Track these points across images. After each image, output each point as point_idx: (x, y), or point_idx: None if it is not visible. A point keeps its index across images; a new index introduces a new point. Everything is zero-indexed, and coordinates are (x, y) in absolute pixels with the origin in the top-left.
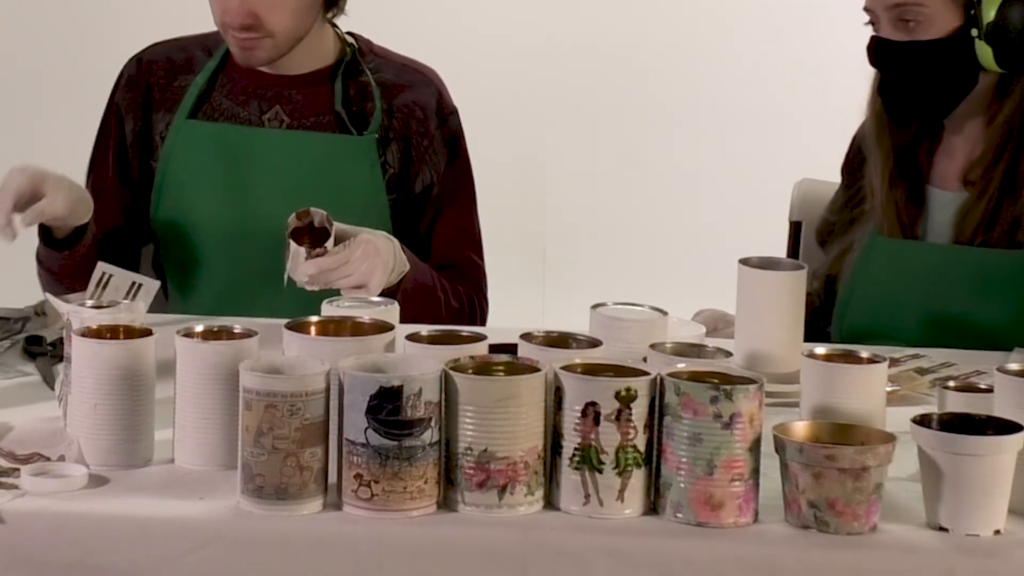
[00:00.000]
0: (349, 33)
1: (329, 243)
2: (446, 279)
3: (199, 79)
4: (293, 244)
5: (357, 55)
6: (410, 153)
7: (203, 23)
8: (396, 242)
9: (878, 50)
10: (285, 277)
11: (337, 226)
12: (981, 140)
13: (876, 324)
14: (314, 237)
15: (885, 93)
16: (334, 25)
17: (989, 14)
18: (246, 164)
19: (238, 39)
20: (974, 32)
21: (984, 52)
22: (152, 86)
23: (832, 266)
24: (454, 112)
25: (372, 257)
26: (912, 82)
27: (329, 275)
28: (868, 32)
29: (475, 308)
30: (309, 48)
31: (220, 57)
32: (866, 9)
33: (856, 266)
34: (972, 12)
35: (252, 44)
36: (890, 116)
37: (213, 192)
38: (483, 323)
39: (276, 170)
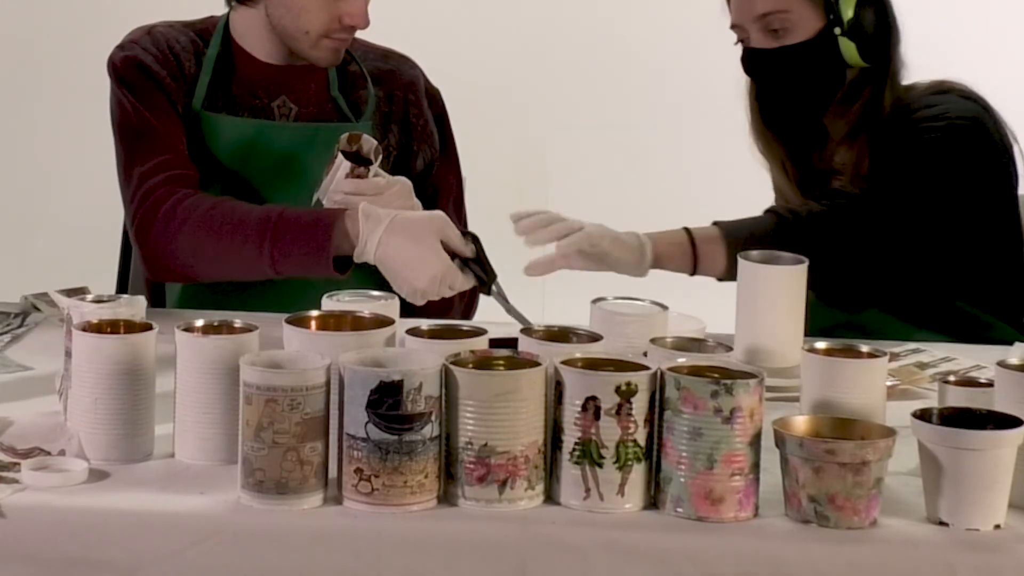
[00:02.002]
0: None
1: (372, 170)
2: None
3: (206, 66)
4: (341, 156)
5: None
6: (410, 133)
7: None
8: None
9: (751, 60)
10: (314, 197)
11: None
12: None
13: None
14: (360, 162)
15: (762, 100)
16: None
17: (848, 12)
18: (255, 155)
19: (344, 42)
20: (837, 31)
21: (848, 48)
22: (176, 65)
23: None
24: (437, 92)
25: (405, 199)
26: (786, 86)
27: (362, 199)
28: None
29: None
30: None
31: (218, 45)
32: (734, 26)
33: None
34: (832, 13)
35: (347, 44)
36: (767, 123)
37: (224, 183)
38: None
39: (283, 159)
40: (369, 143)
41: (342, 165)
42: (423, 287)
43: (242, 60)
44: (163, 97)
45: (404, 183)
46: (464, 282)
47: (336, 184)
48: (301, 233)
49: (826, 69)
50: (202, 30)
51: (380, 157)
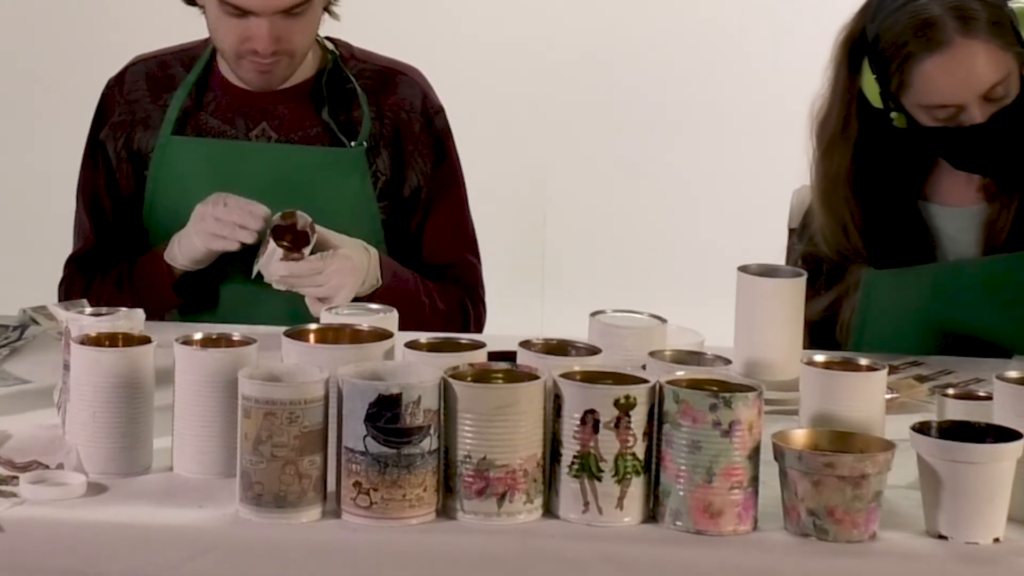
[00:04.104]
0: (328, 38)
1: (306, 250)
2: (438, 282)
3: (180, 93)
4: (272, 243)
5: (339, 62)
6: (401, 158)
7: (199, 25)
8: (374, 253)
9: (972, 137)
10: (255, 270)
11: (320, 232)
12: None
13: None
14: (295, 238)
15: (986, 167)
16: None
17: None
18: (236, 179)
19: (260, 64)
20: None
21: None
22: (135, 106)
23: (819, 311)
24: (440, 111)
25: (345, 274)
26: (1019, 139)
27: (299, 281)
28: None
29: (467, 311)
30: None
31: (200, 71)
32: (942, 106)
33: (858, 308)
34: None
35: (272, 67)
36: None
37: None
38: (479, 327)
39: (266, 184)
40: (303, 218)
41: (274, 252)
42: (199, 209)
43: (221, 87)
44: (100, 151)
45: (344, 258)
46: (237, 204)
47: (273, 268)
48: (143, 267)
49: None
50: (194, 57)
51: (315, 236)
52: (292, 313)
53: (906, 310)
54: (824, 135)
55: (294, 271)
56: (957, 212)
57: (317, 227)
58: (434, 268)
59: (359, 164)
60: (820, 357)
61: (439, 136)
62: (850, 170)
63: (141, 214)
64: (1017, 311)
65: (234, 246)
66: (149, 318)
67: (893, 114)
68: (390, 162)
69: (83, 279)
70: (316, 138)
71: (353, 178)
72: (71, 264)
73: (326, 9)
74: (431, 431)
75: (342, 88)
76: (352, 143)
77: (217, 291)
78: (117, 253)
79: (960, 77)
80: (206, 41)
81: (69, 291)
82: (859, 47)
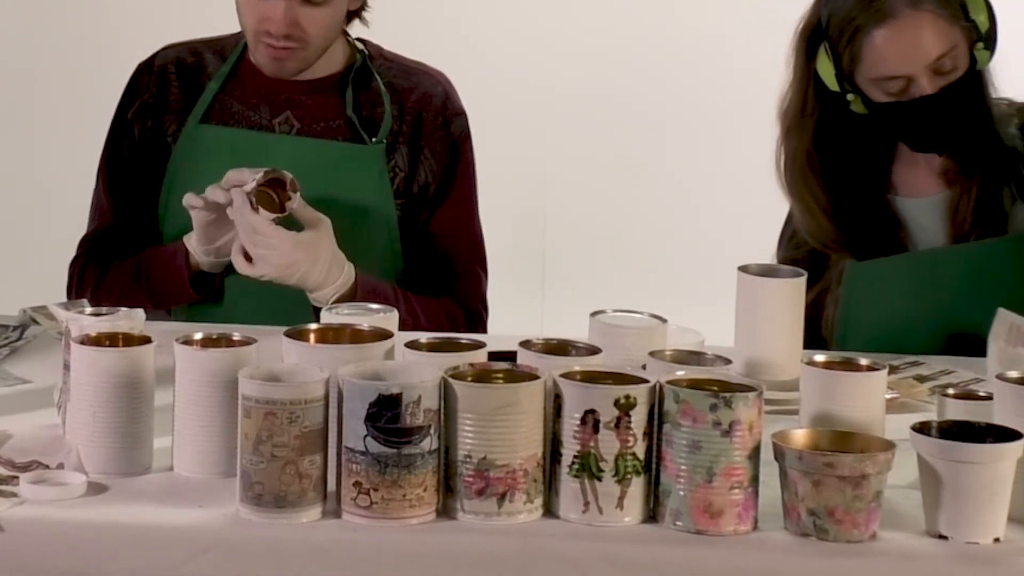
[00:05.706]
0: (359, 39)
1: (266, 214)
2: (427, 292)
3: (213, 84)
4: (245, 189)
5: (367, 60)
6: (417, 155)
7: (204, 25)
8: (349, 272)
9: (924, 110)
10: (213, 189)
11: (299, 209)
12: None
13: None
14: (278, 192)
15: (941, 144)
16: (344, 32)
17: (985, 23)
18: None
19: (273, 48)
20: (980, 45)
21: (983, 57)
22: (163, 90)
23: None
24: (460, 114)
25: (277, 257)
26: (971, 116)
27: (239, 228)
28: None
29: (456, 327)
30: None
31: (233, 62)
32: (892, 78)
33: (842, 302)
34: (972, 30)
35: (286, 54)
36: (828, 167)
37: None
38: None
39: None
40: (295, 186)
41: (245, 201)
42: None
43: (249, 74)
44: (125, 129)
45: (293, 247)
46: (214, 191)
47: (232, 194)
48: (161, 260)
49: (980, 92)
50: (225, 47)
51: (286, 214)
52: (296, 309)
53: (889, 299)
54: (787, 118)
55: (244, 218)
56: (921, 203)
57: (325, 217)
58: (439, 271)
59: (378, 161)
60: (820, 357)
61: (455, 140)
62: (812, 153)
63: (159, 199)
64: (997, 296)
65: (199, 204)
66: (161, 308)
67: (850, 96)
68: (408, 158)
69: (97, 265)
70: (338, 131)
71: (371, 175)
72: (85, 244)
73: (358, 14)
74: (431, 431)
75: (368, 85)
76: (373, 139)
77: (223, 286)
78: (132, 237)
79: (908, 47)
80: (238, 35)
81: (82, 274)
82: (815, 35)
